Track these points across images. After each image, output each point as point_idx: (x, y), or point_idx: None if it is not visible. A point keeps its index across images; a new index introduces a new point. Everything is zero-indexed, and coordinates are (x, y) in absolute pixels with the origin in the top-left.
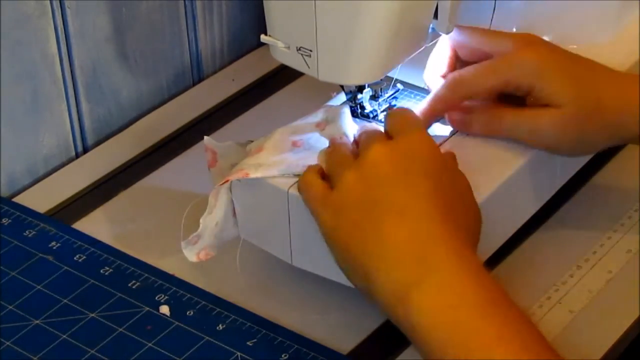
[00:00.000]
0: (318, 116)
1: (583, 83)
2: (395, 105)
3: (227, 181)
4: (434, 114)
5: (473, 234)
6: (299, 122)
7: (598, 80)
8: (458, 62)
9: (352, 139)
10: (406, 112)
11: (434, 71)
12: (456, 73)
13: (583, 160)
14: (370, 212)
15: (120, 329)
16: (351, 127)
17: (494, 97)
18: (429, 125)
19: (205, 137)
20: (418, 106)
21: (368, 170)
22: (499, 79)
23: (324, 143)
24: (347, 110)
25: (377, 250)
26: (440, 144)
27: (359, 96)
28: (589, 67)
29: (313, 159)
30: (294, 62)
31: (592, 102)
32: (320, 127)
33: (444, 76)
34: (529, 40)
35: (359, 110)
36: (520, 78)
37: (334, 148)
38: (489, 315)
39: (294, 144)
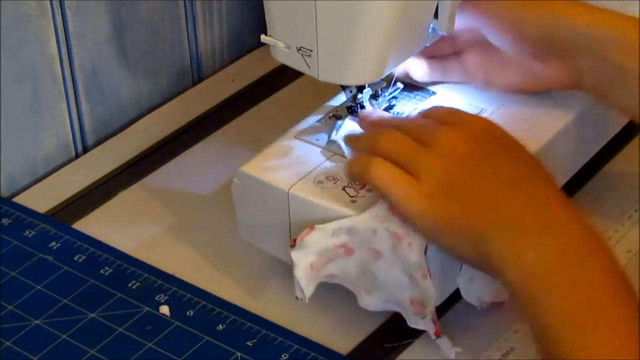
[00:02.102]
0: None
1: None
2: (394, 105)
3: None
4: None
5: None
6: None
7: None
8: None
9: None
10: (444, 107)
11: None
12: None
13: (583, 161)
14: (475, 185)
15: (120, 329)
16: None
17: None
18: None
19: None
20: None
21: (450, 153)
22: None
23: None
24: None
25: (496, 215)
26: None
27: (359, 96)
28: None
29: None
30: (294, 62)
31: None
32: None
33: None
34: None
35: (359, 110)
36: None
37: (390, 137)
38: (603, 276)
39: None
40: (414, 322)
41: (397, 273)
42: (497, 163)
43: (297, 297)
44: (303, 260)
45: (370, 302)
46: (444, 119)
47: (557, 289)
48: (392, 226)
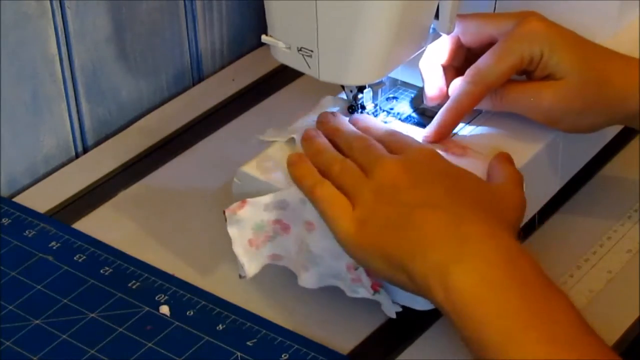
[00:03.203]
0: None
1: (588, 55)
2: (394, 107)
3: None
4: (461, 111)
5: (508, 221)
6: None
7: (602, 55)
8: (461, 50)
9: None
10: (397, 133)
11: (433, 59)
12: (472, 66)
13: (583, 161)
14: (399, 213)
15: (120, 329)
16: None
17: None
18: (457, 124)
19: None
20: (445, 105)
21: (384, 184)
22: (514, 57)
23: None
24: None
25: (413, 238)
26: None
27: (360, 96)
28: (592, 44)
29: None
30: (295, 62)
31: (596, 74)
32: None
33: (444, 65)
34: (531, 14)
35: (360, 110)
36: (533, 47)
37: (342, 167)
38: (525, 294)
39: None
40: (353, 292)
41: (330, 242)
42: (423, 189)
43: (240, 276)
44: (240, 236)
45: (309, 279)
46: (392, 147)
47: (484, 304)
48: None
